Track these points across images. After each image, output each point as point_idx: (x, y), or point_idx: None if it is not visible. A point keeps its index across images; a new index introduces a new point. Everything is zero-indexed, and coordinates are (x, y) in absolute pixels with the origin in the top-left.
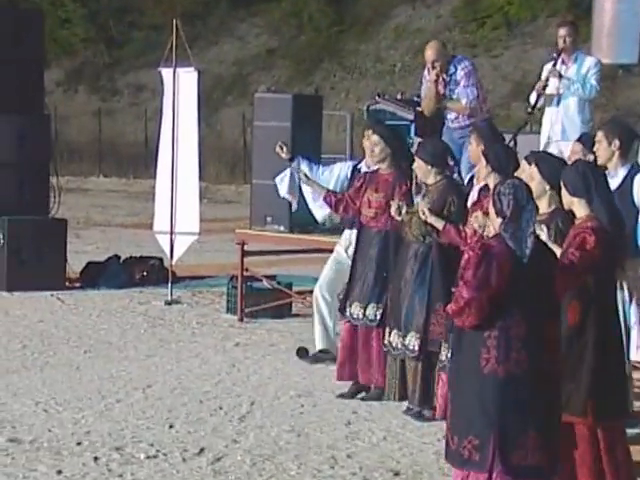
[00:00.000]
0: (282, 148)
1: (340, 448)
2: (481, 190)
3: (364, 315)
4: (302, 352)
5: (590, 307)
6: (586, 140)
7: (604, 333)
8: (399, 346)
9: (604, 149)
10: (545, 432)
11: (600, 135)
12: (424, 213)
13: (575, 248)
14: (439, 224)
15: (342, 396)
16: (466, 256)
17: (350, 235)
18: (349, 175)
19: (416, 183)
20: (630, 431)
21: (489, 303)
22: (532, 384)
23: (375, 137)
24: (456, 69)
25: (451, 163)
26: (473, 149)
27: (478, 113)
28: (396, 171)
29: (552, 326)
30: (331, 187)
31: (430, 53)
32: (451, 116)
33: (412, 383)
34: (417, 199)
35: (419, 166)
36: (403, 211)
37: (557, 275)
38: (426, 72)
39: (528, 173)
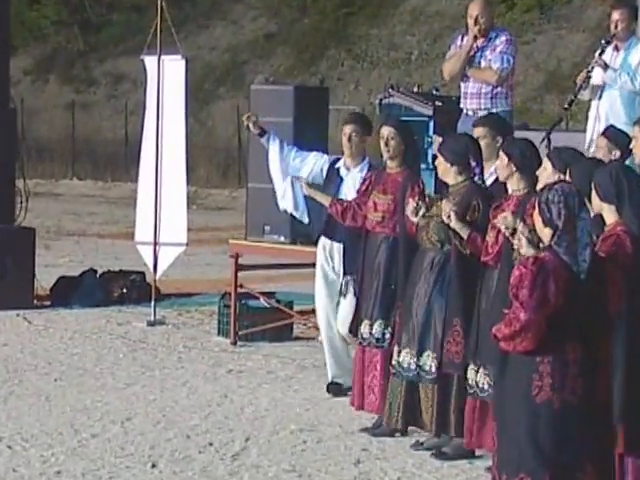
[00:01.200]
0: (251, 120)
1: None
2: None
3: (370, 334)
4: (334, 387)
5: (620, 323)
6: (612, 134)
7: (637, 352)
8: (412, 367)
9: (639, 145)
10: (602, 468)
11: (636, 130)
12: (449, 217)
13: (611, 245)
14: (465, 232)
15: (365, 430)
16: (517, 273)
17: (325, 243)
18: (325, 171)
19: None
20: None
21: (547, 325)
22: (589, 414)
23: (390, 129)
24: (497, 35)
25: (473, 164)
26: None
27: (505, 90)
28: (406, 170)
29: (606, 348)
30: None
31: (474, 7)
32: (472, 105)
33: (427, 410)
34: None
35: (439, 162)
36: (420, 213)
37: (609, 281)
38: (459, 38)
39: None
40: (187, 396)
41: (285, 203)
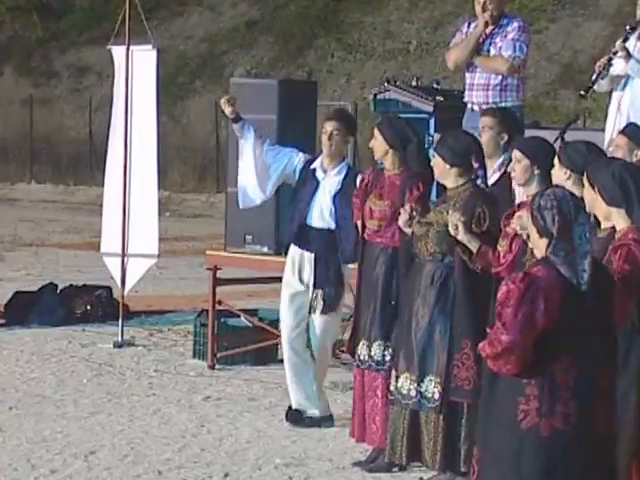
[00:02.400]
0: (230, 103)
1: None
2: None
3: (369, 356)
4: (294, 415)
5: (633, 340)
6: (633, 132)
7: None
8: (412, 394)
9: None
10: None
11: None
12: (456, 228)
13: (623, 261)
14: (474, 245)
15: (359, 464)
16: (504, 289)
17: (295, 254)
18: (299, 170)
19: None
20: None
21: (534, 347)
22: (585, 445)
23: (375, 130)
24: (510, 22)
25: (475, 165)
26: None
27: (517, 82)
28: (404, 173)
29: (607, 370)
30: (271, 173)
31: None
32: (478, 99)
33: (431, 443)
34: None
35: (437, 163)
36: (414, 222)
37: (616, 299)
38: (465, 25)
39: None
40: (159, 426)
41: (249, 199)
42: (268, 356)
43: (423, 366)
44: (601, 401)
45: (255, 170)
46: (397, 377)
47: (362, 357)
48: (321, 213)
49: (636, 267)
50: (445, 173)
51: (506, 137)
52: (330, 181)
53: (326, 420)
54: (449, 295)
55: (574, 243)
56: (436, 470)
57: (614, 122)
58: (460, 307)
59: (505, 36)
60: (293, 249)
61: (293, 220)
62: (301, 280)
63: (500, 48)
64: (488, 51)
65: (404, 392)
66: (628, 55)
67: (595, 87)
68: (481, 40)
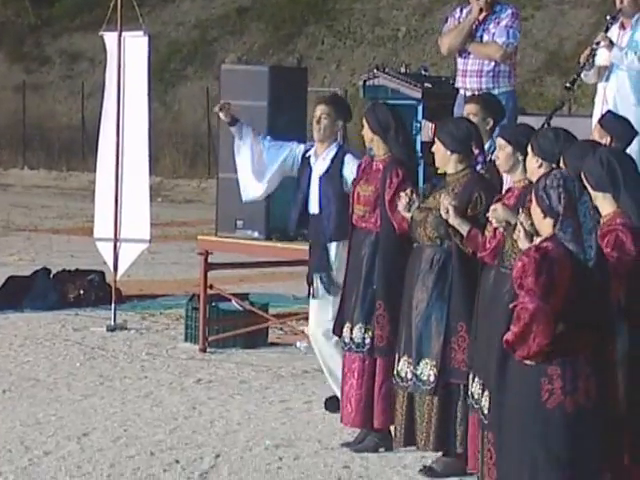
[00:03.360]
0: (223, 109)
1: None
2: None
3: (351, 339)
4: (332, 404)
5: (619, 323)
6: (606, 120)
7: (636, 353)
8: (409, 376)
9: None
10: (619, 475)
11: None
12: (448, 212)
13: (611, 249)
14: (464, 228)
15: (347, 445)
16: (520, 264)
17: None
18: (298, 161)
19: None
20: None
21: (555, 318)
22: (603, 418)
23: (363, 119)
24: (503, 9)
25: (475, 151)
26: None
27: (509, 68)
28: (388, 159)
29: (613, 345)
30: (271, 168)
31: None
32: (472, 84)
33: (424, 424)
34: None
35: (437, 149)
36: (414, 207)
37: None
38: (458, 11)
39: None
40: (151, 409)
41: (251, 194)
42: (258, 339)
43: (420, 350)
44: (611, 372)
45: (254, 167)
46: (398, 360)
47: (346, 339)
48: (313, 198)
49: (623, 254)
50: (445, 159)
51: (491, 122)
52: (320, 165)
53: None
54: (447, 279)
55: (580, 220)
56: (429, 450)
57: (601, 111)
58: (456, 290)
59: (498, 23)
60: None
61: (293, 210)
62: None
63: (493, 35)
64: (481, 37)
65: (402, 375)
66: (611, 44)
67: (583, 78)
68: (474, 26)
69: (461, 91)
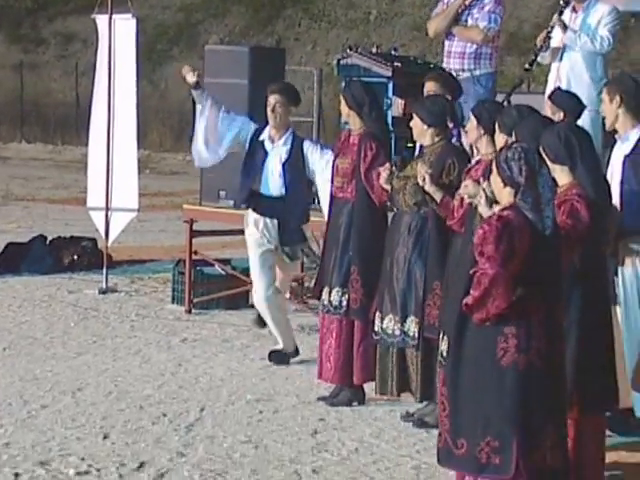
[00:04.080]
0: (193, 72)
1: (304, 462)
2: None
3: (329, 301)
4: (278, 356)
5: (574, 286)
6: (556, 97)
7: (589, 315)
8: (397, 333)
9: (607, 108)
10: (561, 429)
11: (604, 92)
12: (424, 179)
13: (566, 217)
14: (438, 195)
15: (323, 399)
16: (481, 231)
17: (256, 218)
18: (249, 139)
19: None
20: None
21: (513, 283)
22: (551, 376)
23: (341, 95)
24: None
25: (450, 125)
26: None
27: (490, 51)
28: (362, 132)
29: (562, 309)
30: (224, 137)
31: None
32: (455, 65)
33: (414, 375)
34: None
35: (415, 124)
36: (395, 180)
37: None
38: None
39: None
40: (140, 365)
41: (203, 160)
42: (240, 301)
43: (405, 308)
44: (559, 334)
45: (209, 133)
46: (382, 318)
47: (325, 302)
48: (273, 181)
49: (578, 221)
50: (423, 133)
51: (449, 99)
52: (278, 151)
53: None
54: (425, 243)
55: (539, 191)
56: (417, 401)
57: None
58: (432, 252)
59: (482, 8)
60: (252, 214)
61: (243, 187)
62: (265, 237)
63: (477, 19)
64: (466, 21)
65: (389, 332)
66: (564, 27)
67: (539, 60)
68: (460, 11)
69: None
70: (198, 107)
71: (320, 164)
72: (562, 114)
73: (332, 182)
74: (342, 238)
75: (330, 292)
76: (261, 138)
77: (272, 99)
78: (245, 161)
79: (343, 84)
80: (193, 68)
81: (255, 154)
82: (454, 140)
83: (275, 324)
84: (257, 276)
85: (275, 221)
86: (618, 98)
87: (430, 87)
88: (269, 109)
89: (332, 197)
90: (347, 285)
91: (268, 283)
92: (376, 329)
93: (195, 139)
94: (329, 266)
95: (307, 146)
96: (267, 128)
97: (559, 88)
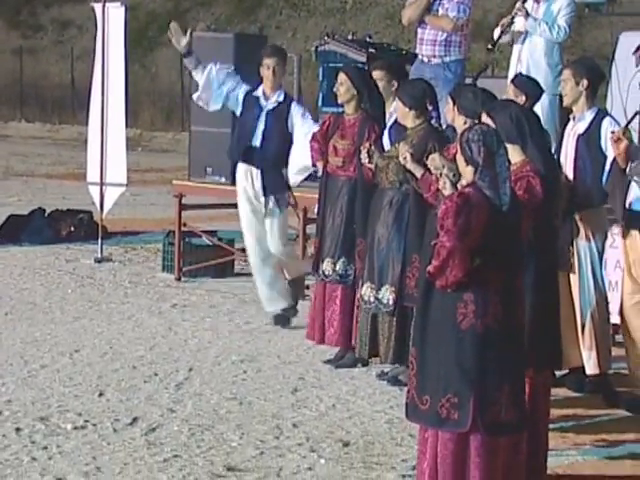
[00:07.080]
0: (185, 33)
1: (285, 417)
2: None
3: (334, 271)
4: (281, 319)
5: (528, 256)
6: (518, 81)
7: (541, 281)
8: (372, 300)
9: (571, 89)
10: (516, 386)
11: (567, 74)
12: (405, 158)
13: (523, 192)
14: (418, 172)
15: (329, 362)
16: (444, 207)
17: (247, 170)
18: (242, 99)
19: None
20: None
21: (472, 256)
22: (507, 338)
23: (342, 76)
24: None
25: (430, 107)
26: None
27: (459, 39)
28: (361, 115)
29: (521, 277)
30: (212, 94)
31: None
32: (427, 52)
33: (385, 340)
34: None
35: (398, 107)
36: (375, 157)
37: (523, 220)
38: None
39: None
40: (133, 329)
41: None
42: (226, 270)
43: (381, 277)
44: (518, 300)
45: (209, 83)
46: (362, 285)
47: (327, 272)
48: (260, 132)
49: (532, 195)
50: (405, 115)
51: (396, 84)
52: (272, 105)
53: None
54: (404, 217)
55: (496, 171)
56: (388, 363)
57: (515, 71)
58: (412, 226)
59: None
60: (244, 167)
61: (240, 140)
62: (255, 193)
63: (447, 9)
64: (437, 11)
65: (366, 299)
66: (527, 14)
67: (500, 41)
68: (432, 1)
69: (419, 56)
70: (193, 72)
71: (299, 130)
72: (524, 97)
73: (325, 162)
74: (345, 212)
75: (335, 263)
76: (255, 94)
77: (271, 62)
78: (240, 118)
79: (345, 67)
80: (181, 28)
81: (250, 110)
82: (434, 121)
83: (273, 265)
84: (249, 242)
85: (259, 172)
86: (585, 81)
87: (377, 75)
88: (269, 71)
89: (327, 174)
90: (352, 255)
91: (259, 249)
92: (358, 296)
93: (199, 89)
94: (331, 239)
95: (294, 107)
96: (260, 87)
97: (521, 73)
